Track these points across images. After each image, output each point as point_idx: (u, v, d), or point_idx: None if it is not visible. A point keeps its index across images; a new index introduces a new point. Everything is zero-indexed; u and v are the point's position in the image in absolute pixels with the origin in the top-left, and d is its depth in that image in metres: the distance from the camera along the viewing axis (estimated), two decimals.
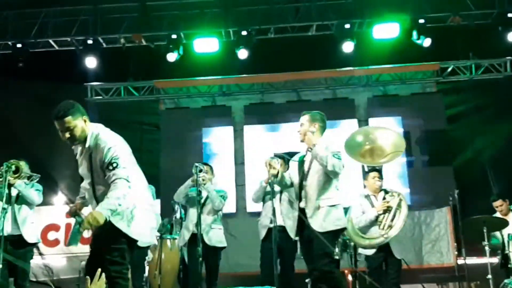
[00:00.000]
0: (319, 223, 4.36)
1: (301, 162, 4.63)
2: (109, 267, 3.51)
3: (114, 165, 3.54)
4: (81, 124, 3.63)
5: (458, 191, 7.72)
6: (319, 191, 4.44)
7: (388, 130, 6.34)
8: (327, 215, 4.38)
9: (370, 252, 5.73)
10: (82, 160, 3.76)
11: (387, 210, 5.62)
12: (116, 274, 3.53)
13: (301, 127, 4.62)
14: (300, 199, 4.56)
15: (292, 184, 4.67)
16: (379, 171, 6.01)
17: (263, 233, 5.98)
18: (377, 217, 5.63)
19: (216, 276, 5.96)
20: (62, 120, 3.56)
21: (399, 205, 5.66)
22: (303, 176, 4.54)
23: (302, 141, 4.62)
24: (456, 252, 8.56)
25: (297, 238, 5.85)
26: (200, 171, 5.73)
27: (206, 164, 6.20)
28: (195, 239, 5.50)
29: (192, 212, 5.91)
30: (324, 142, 4.49)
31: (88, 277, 2.99)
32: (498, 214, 6.73)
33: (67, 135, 3.60)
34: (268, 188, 5.83)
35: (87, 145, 3.67)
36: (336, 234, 4.43)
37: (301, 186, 4.54)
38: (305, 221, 4.43)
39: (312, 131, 4.53)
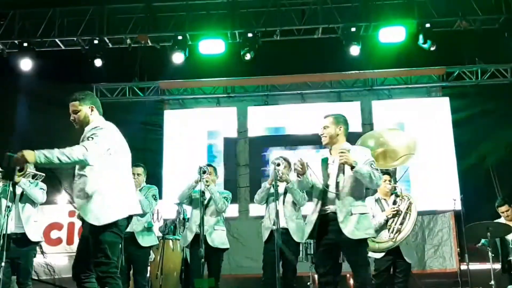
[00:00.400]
0: (350, 229, 4.17)
1: (325, 165, 4.40)
2: (96, 269, 3.64)
3: (90, 139, 3.68)
4: (86, 110, 3.91)
5: (462, 196, 7.67)
6: (352, 197, 4.26)
7: (400, 132, 6.29)
8: (358, 223, 4.21)
9: (379, 255, 5.72)
10: None
11: (397, 214, 5.62)
12: (103, 275, 3.62)
13: (325, 130, 4.41)
14: (325, 202, 4.32)
15: (312, 187, 4.47)
16: (390, 174, 5.96)
17: (265, 235, 5.93)
18: (386, 220, 5.61)
19: (218, 277, 5.91)
20: (71, 103, 3.92)
21: (408, 209, 5.65)
22: (328, 178, 4.34)
23: (326, 144, 4.43)
24: (459, 258, 8.51)
25: (303, 241, 5.90)
26: (204, 172, 5.73)
27: (210, 165, 6.20)
28: (198, 240, 5.50)
29: (195, 213, 5.90)
30: (355, 153, 4.31)
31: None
32: (502, 220, 6.65)
33: (72, 117, 3.93)
34: (272, 190, 5.80)
35: (86, 130, 3.86)
36: (365, 242, 4.33)
37: (326, 189, 4.31)
38: (332, 226, 4.23)
39: (337, 134, 4.39)
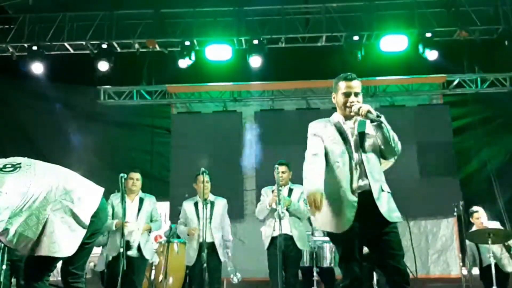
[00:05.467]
0: (385, 209, 3.11)
1: (342, 131, 3.36)
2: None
3: None
4: None
5: (463, 202, 7.33)
6: (379, 169, 3.24)
7: None
8: (390, 202, 3.16)
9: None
10: None
11: None
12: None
13: (359, 96, 3.37)
14: (358, 177, 3.20)
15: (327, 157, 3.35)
16: None
17: (266, 243, 5.60)
18: None
19: (219, 282, 5.63)
20: None
21: None
22: (349, 147, 3.29)
23: (356, 113, 3.28)
24: (461, 263, 8.17)
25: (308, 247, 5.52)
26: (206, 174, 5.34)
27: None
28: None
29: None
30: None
31: None
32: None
33: None
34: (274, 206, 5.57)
35: None
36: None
37: (351, 159, 3.25)
38: (370, 206, 3.12)
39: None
